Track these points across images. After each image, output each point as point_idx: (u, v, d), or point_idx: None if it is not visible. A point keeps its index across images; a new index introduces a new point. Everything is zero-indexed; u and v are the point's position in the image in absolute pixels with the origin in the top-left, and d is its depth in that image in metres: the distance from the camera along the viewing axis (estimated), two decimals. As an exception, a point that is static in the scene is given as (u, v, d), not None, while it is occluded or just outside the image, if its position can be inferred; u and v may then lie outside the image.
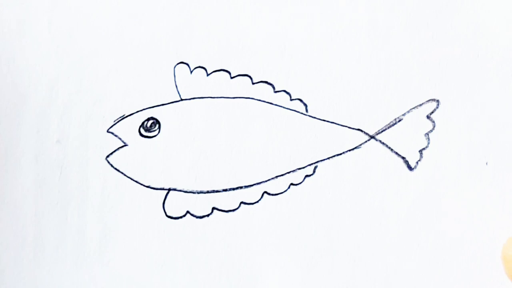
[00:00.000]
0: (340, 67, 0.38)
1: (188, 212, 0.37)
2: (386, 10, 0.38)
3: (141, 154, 0.38)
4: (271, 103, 0.38)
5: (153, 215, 0.37)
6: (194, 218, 0.37)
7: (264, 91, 0.38)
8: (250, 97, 0.38)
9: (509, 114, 0.37)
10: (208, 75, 0.38)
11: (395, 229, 0.36)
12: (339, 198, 0.37)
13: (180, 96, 0.38)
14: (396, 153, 0.37)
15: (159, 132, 0.38)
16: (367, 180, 0.37)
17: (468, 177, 0.37)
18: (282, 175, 0.37)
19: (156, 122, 0.38)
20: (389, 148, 0.37)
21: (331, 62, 0.38)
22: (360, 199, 0.37)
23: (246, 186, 0.37)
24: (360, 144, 0.37)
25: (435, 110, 0.37)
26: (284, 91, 0.38)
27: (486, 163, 0.37)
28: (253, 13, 0.38)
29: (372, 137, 0.37)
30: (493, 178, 0.36)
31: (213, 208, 0.37)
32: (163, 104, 0.38)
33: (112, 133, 0.38)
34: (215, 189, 0.37)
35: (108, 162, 0.38)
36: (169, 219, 0.37)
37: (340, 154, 0.37)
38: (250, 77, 0.38)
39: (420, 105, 0.37)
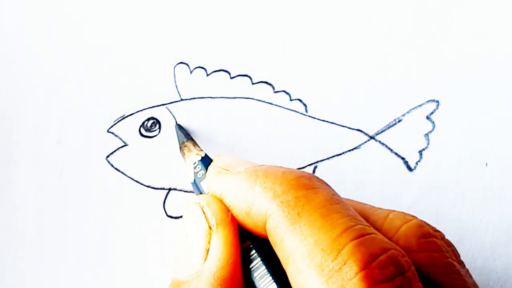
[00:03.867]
0: (340, 67, 0.37)
1: (188, 212, 0.37)
2: (386, 10, 0.38)
3: (141, 154, 0.38)
4: (270, 103, 0.38)
5: (154, 215, 0.37)
6: (194, 218, 0.37)
7: (264, 91, 0.38)
8: (250, 97, 0.38)
9: (509, 114, 0.37)
10: (208, 75, 0.38)
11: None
12: (339, 198, 0.37)
13: (180, 96, 0.38)
14: (396, 153, 0.37)
15: (159, 132, 0.38)
16: (367, 180, 0.37)
17: (468, 177, 0.37)
18: (282, 175, 0.37)
19: (157, 122, 0.38)
20: (389, 148, 0.37)
21: (331, 62, 0.38)
22: (359, 199, 0.37)
23: (246, 186, 0.37)
24: (360, 145, 0.37)
25: (434, 110, 0.37)
26: (284, 91, 0.38)
27: (486, 164, 0.37)
28: (253, 13, 0.38)
29: (371, 137, 0.37)
30: (493, 178, 0.36)
31: (213, 208, 0.37)
32: (163, 104, 0.38)
33: (112, 133, 0.38)
34: (215, 189, 0.37)
35: (109, 162, 0.38)
36: (169, 218, 0.37)
37: (340, 154, 0.37)
38: (249, 77, 0.38)
39: (420, 105, 0.37)
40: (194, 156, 0.33)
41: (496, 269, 0.36)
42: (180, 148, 0.35)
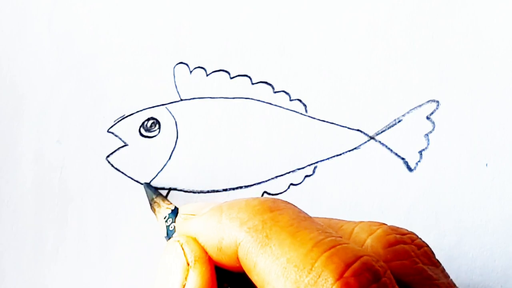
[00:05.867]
0: (340, 67, 0.37)
1: (188, 212, 0.37)
2: (386, 10, 0.38)
3: (141, 154, 0.38)
4: (270, 103, 0.38)
5: (154, 215, 0.37)
6: (194, 218, 0.37)
7: (264, 92, 0.38)
8: (250, 97, 0.38)
9: (509, 115, 0.37)
10: (207, 75, 0.38)
11: (394, 230, 0.36)
12: (339, 198, 0.37)
13: (179, 96, 0.38)
14: (396, 154, 0.37)
15: (159, 132, 0.38)
16: (367, 180, 0.37)
17: (468, 178, 0.36)
18: (282, 175, 0.37)
19: (156, 122, 0.38)
20: (389, 149, 0.37)
21: (331, 63, 0.38)
22: (359, 199, 0.37)
23: (246, 186, 0.37)
24: (360, 145, 0.37)
25: (434, 111, 0.37)
26: (284, 91, 0.38)
27: (486, 164, 0.36)
28: (253, 13, 0.38)
29: (371, 137, 0.37)
30: (493, 179, 0.36)
31: (213, 208, 0.37)
32: (163, 104, 0.38)
33: (112, 133, 0.38)
34: (215, 189, 0.37)
35: (109, 162, 0.38)
36: (169, 218, 0.37)
37: (340, 154, 0.37)
38: (249, 77, 0.38)
39: (420, 105, 0.37)
40: (164, 210, 0.33)
41: (496, 269, 0.36)
42: (151, 205, 0.35)
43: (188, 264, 0.26)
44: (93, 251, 0.37)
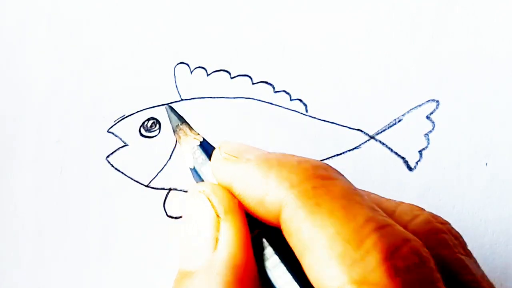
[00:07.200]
0: (340, 67, 0.38)
1: (188, 212, 0.37)
2: (386, 10, 0.38)
3: (141, 154, 0.38)
4: (271, 103, 0.38)
5: (154, 215, 0.37)
6: (194, 218, 0.37)
7: (264, 91, 0.38)
8: (250, 97, 0.38)
9: (509, 115, 0.37)
10: (208, 75, 0.38)
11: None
12: (339, 198, 0.37)
13: (180, 96, 0.38)
14: (396, 153, 0.37)
15: (159, 132, 0.38)
16: (367, 180, 0.37)
17: (467, 177, 0.37)
18: (282, 175, 0.37)
19: (157, 122, 0.38)
20: (389, 148, 0.37)
21: (331, 62, 0.38)
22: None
23: (246, 186, 0.37)
24: (360, 144, 0.37)
25: (434, 110, 0.37)
26: (284, 91, 0.38)
27: (486, 164, 0.37)
28: (253, 14, 0.38)
29: (372, 137, 0.37)
30: (493, 178, 0.36)
31: (213, 208, 0.37)
32: (163, 104, 0.38)
33: (112, 133, 0.38)
34: (215, 189, 0.37)
35: (109, 162, 0.38)
36: (169, 219, 0.37)
37: (340, 154, 0.37)
38: (250, 77, 0.38)
39: (420, 105, 0.37)
40: (192, 140, 0.31)
41: (495, 268, 0.36)
42: (174, 131, 0.33)
43: (218, 216, 0.25)
44: (93, 251, 0.37)
